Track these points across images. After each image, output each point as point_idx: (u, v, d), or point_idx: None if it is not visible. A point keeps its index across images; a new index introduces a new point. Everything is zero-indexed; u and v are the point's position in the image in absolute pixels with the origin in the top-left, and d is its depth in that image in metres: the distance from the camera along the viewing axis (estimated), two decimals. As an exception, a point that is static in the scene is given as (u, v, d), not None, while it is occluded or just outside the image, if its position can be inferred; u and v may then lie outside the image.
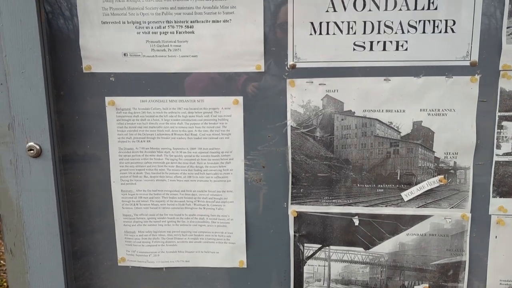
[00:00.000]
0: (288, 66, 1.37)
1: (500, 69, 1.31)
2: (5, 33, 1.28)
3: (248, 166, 1.44)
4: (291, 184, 1.43)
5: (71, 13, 1.37)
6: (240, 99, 1.40)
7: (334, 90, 1.38)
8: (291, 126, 1.40)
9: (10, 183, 1.38)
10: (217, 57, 1.38)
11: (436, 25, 1.29)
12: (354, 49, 1.34)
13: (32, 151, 1.35)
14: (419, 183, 1.40)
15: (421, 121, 1.36)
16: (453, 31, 1.29)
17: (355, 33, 1.33)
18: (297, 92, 1.39)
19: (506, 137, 1.35)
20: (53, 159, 1.36)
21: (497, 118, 1.34)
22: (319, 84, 1.38)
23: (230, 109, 1.42)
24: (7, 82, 1.31)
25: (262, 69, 1.38)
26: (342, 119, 1.39)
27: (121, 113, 1.44)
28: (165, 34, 1.38)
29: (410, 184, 1.40)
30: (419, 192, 1.40)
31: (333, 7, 1.32)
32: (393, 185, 1.41)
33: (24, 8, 1.27)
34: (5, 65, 1.30)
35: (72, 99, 1.43)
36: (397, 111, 1.36)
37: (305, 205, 1.44)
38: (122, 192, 1.49)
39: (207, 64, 1.39)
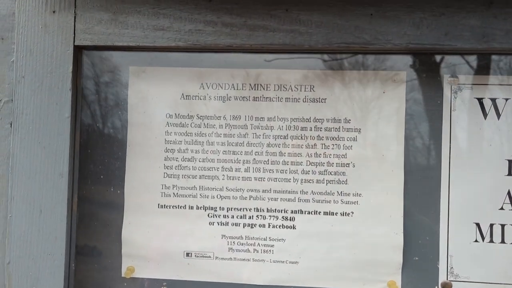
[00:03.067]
0: (439, 287, 0.90)
1: None
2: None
3: None
4: None
5: (113, 193, 0.94)
6: (360, 332, 0.91)
7: (514, 330, 0.89)
8: None
9: None
10: (328, 265, 0.91)
11: None
12: (546, 268, 0.88)
13: None
14: None
15: None
16: None
17: (547, 245, 0.88)
18: (454, 328, 0.89)
19: None
20: None
21: None
22: (490, 319, 0.89)
23: None
24: (2, 303, 0.84)
25: (398, 288, 0.91)
26: None
27: None
28: (251, 227, 0.93)
29: None
30: None
31: (511, 202, 0.89)
32: None
33: (51, 195, 0.85)
34: (5, 270, 0.84)
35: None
36: None
37: None
38: None
39: (312, 275, 0.91)
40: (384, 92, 0.89)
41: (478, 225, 0.89)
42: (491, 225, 0.88)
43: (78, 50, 0.87)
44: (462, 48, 0.82)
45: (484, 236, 0.89)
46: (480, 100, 0.89)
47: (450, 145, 0.89)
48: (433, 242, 0.89)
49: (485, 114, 0.89)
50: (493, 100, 0.89)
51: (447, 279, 0.90)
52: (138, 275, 0.94)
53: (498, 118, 0.88)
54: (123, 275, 0.94)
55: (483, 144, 0.89)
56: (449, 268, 0.89)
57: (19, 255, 0.84)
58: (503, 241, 0.88)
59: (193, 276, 0.93)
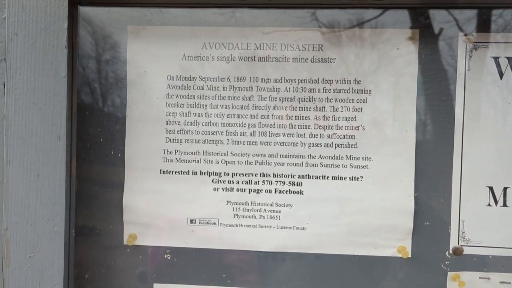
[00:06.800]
0: (450, 251, 0.87)
1: None
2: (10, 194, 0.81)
3: None
4: None
5: (114, 157, 0.90)
6: (370, 298, 0.89)
7: (525, 294, 0.87)
8: None
9: None
10: (336, 231, 0.88)
11: None
12: (560, 232, 0.86)
13: None
14: None
15: None
16: None
17: (562, 207, 0.86)
18: (464, 293, 0.88)
19: None
20: None
21: None
22: (501, 283, 0.86)
23: (353, 314, 0.89)
24: (3, 270, 0.81)
25: (408, 254, 0.88)
26: None
27: (177, 312, 0.92)
28: (257, 192, 0.90)
29: None
30: None
31: (526, 166, 0.86)
32: None
33: (48, 158, 0.81)
34: (3, 237, 0.81)
35: (103, 286, 0.90)
36: None
37: None
38: None
39: (320, 241, 0.88)
40: (397, 50, 0.85)
41: (491, 188, 0.86)
42: (505, 189, 0.86)
43: (73, 5, 0.82)
44: (480, 1, 0.77)
45: (497, 200, 0.86)
46: (496, 59, 0.85)
47: (464, 106, 0.86)
48: (444, 206, 0.87)
49: (501, 74, 0.85)
50: (510, 59, 0.85)
51: (458, 244, 0.87)
52: (140, 243, 0.91)
53: (515, 77, 0.85)
54: (125, 242, 0.91)
55: (498, 105, 0.85)
56: (460, 233, 0.87)
57: (16, 220, 0.80)
58: (516, 205, 0.86)
59: (197, 243, 0.90)
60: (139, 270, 0.91)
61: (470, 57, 0.85)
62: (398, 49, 0.85)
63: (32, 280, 0.81)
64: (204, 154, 0.90)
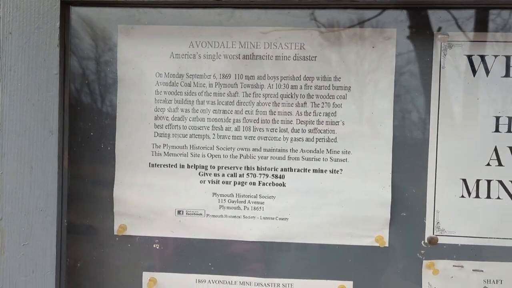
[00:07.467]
0: (426, 241, 0.91)
1: None
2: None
3: None
4: None
5: (104, 151, 0.94)
6: (349, 285, 0.93)
7: (496, 281, 0.90)
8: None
9: None
10: (317, 222, 0.92)
11: None
12: (530, 222, 0.90)
13: None
14: None
15: None
16: None
17: (532, 199, 0.90)
18: (439, 280, 0.91)
19: None
20: None
21: None
22: (474, 271, 0.91)
23: (333, 300, 0.94)
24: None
25: (386, 243, 0.92)
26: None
27: (165, 299, 0.96)
28: (242, 185, 0.94)
29: None
30: None
31: (498, 159, 0.90)
32: None
33: (41, 151, 0.85)
34: (-3, 229, 0.85)
35: (94, 274, 0.95)
36: None
37: None
38: None
39: (301, 231, 0.93)
40: (373, 48, 0.89)
41: (464, 180, 0.90)
42: (477, 181, 0.90)
43: (65, 6, 0.85)
44: (454, 1, 0.81)
45: (470, 191, 0.90)
46: (469, 57, 0.89)
47: (438, 102, 0.90)
48: (420, 198, 0.91)
49: (474, 71, 0.89)
50: (482, 57, 0.89)
51: (433, 234, 0.91)
52: (130, 233, 0.95)
53: (487, 75, 0.89)
54: (115, 233, 0.95)
55: (471, 101, 0.89)
56: (435, 223, 0.91)
57: (11, 211, 0.84)
58: (488, 197, 0.90)
59: (185, 233, 0.94)
60: (129, 259, 0.95)
61: (445, 55, 0.89)
62: (373, 47, 0.89)
63: (26, 268, 0.85)
64: (191, 148, 0.94)
